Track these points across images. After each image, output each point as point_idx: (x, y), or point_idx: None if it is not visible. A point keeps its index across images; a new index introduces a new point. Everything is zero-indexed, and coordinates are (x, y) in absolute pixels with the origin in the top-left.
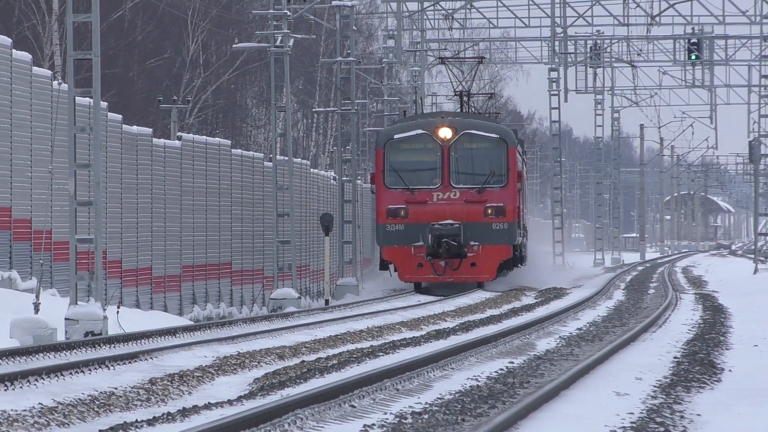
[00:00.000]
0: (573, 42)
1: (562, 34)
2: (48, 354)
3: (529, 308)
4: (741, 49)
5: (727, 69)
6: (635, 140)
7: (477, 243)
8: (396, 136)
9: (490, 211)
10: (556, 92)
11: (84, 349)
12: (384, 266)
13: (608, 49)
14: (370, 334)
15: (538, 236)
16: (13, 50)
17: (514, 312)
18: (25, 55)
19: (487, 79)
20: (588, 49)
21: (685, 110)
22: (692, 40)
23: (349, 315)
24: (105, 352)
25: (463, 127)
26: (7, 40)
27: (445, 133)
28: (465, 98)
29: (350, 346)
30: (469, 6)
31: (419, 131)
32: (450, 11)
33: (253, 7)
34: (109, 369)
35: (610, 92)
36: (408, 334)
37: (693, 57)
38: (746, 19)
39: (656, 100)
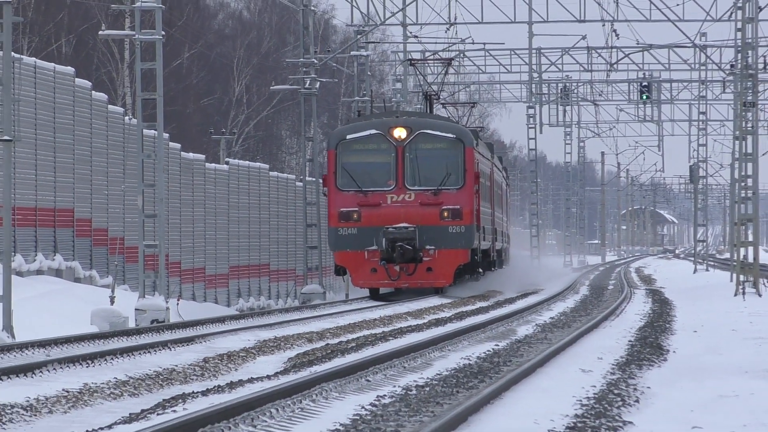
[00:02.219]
0: (546, 85)
1: (537, 79)
2: (121, 338)
3: (511, 301)
4: (683, 91)
5: (672, 107)
6: (597, 165)
7: (433, 247)
8: (348, 137)
9: (446, 214)
10: (533, 126)
11: (150, 333)
12: (339, 272)
13: (575, 91)
14: (382, 322)
15: (519, 242)
16: (93, 91)
17: (499, 304)
18: (102, 95)
19: (477, 115)
20: (559, 91)
21: (638, 140)
22: (643, 83)
23: (365, 306)
24: (167, 336)
25: (419, 126)
26: (87, 83)
27: (399, 133)
28: (433, 100)
29: (366, 332)
30: (462, 55)
31: (373, 131)
32: (447, 60)
33: (287, 56)
34: (170, 350)
35: (576, 125)
36: (413, 322)
37: (644, 97)
38: (687, 67)
39: (614, 132)
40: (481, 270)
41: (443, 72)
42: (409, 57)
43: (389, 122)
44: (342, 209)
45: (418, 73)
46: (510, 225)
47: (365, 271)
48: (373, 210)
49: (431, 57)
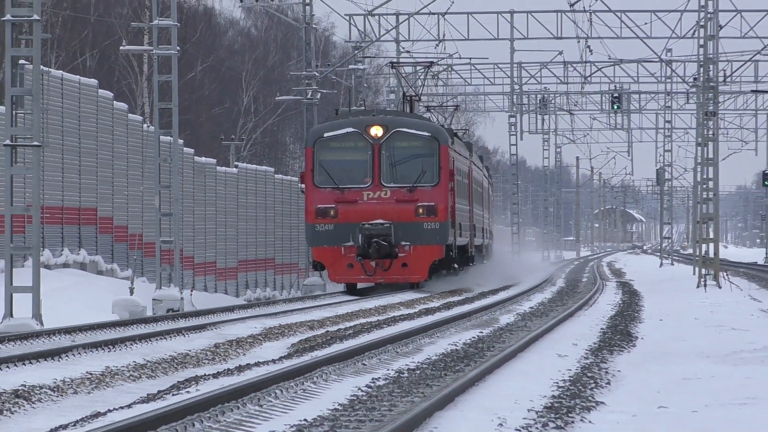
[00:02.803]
0: (527, 96)
1: (518, 90)
2: (139, 325)
3: (494, 292)
4: (650, 101)
5: (640, 116)
6: (572, 168)
7: (408, 243)
8: (326, 135)
9: (421, 211)
10: (514, 133)
11: (166, 321)
12: (317, 267)
13: (552, 101)
14: (377, 311)
15: (501, 239)
16: (114, 101)
17: (483, 294)
18: (123, 105)
19: (464, 122)
20: (537, 101)
21: (609, 146)
22: (614, 95)
23: (362, 297)
24: (182, 323)
25: (395, 125)
26: (109, 94)
27: (375, 131)
28: (413, 101)
29: (362, 320)
30: (450, 69)
31: (350, 129)
32: (436, 72)
33: (291, 69)
34: (184, 336)
35: (554, 133)
36: (405, 311)
37: (615, 107)
38: (654, 80)
39: (588, 139)
40: (456, 265)
41: (423, 74)
42: (391, 61)
43: (366, 120)
44: (319, 206)
45: (399, 75)
46: (493, 222)
47: (342, 267)
48: (350, 206)
49: (412, 61)
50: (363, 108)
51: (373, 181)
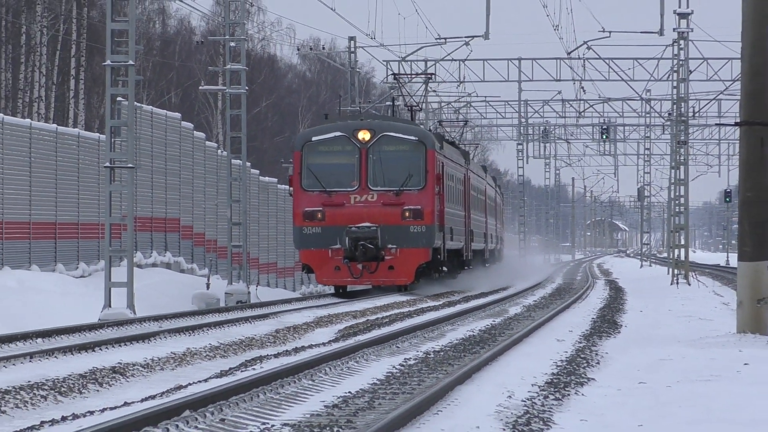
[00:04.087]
0: (531, 127)
1: (524, 123)
2: (214, 314)
3: (504, 288)
4: (633, 132)
5: (625, 144)
6: (569, 187)
7: (395, 246)
8: (314, 138)
9: (407, 214)
10: (521, 158)
11: (236, 311)
12: (306, 269)
13: (553, 132)
14: (408, 303)
15: (511, 244)
16: (194, 131)
17: (494, 291)
18: (201, 134)
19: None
20: (540, 132)
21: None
22: (603, 127)
23: (395, 292)
24: (248, 313)
25: (382, 129)
26: (190, 125)
27: (363, 135)
28: (414, 111)
29: (396, 311)
30: (468, 105)
31: (337, 133)
32: (457, 108)
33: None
34: (251, 323)
35: (553, 158)
36: (432, 303)
37: (604, 137)
38: (636, 115)
39: (582, 163)
40: (446, 269)
41: (423, 86)
42: (393, 73)
43: (353, 125)
44: (306, 209)
45: (401, 86)
46: (504, 231)
47: (329, 269)
48: (337, 210)
49: (413, 73)
50: (358, 108)
51: (360, 185)
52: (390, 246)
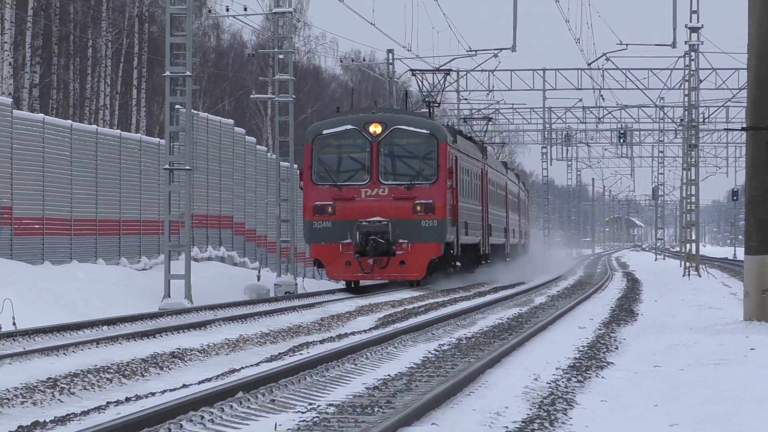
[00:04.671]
0: (555, 132)
1: (548, 128)
2: (264, 304)
3: (521, 282)
4: (648, 137)
5: (640, 147)
6: (589, 186)
7: (406, 241)
8: (325, 132)
9: (419, 208)
10: (545, 160)
11: (285, 301)
12: (317, 264)
13: (574, 136)
14: (442, 294)
15: (536, 240)
16: (246, 136)
17: (512, 285)
18: (252, 139)
19: (507, 152)
20: (563, 136)
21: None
22: (621, 131)
23: (431, 284)
24: (296, 302)
25: (393, 122)
26: (242, 130)
27: (374, 128)
28: (432, 106)
29: (431, 300)
30: (497, 111)
31: (348, 126)
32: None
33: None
34: (298, 312)
35: (575, 160)
36: (463, 294)
37: (621, 141)
38: (651, 120)
39: (601, 164)
40: (459, 263)
41: (442, 81)
42: (411, 69)
43: (365, 118)
44: (317, 203)
45: (419, 81)
46: (530, 226)
47: (339, 264)
48: (347, 204)
49: (431, 69)
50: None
51: (371, 179)
52: (401, 241)
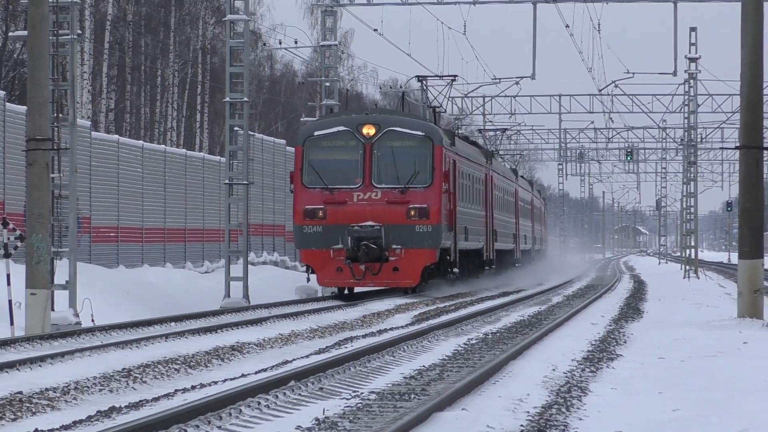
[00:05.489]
0: (569, 150)
1: (564, 146)
2: (313, 303)
3: (547, 281)
4: (652, 155)
5: (645, 164)
6: (600, 199)
7: (399, 246)
8: (316, 133)
9: (413, 213)
10: (561, 175)
11: (331, 300)
12: (309, 269)
13: (587, 154)
14: (469, 294)
15: (553, 246)
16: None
17: (538, 284)
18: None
19: (528, 168)
20: (577, 154)
21: (624, 184)
22: (628, 150)
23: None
24: (341, 302)
25: (387, 124)
26: (293, 149)
27: (367, 130)
28: (437, 113)
29: (460, 300)
30: (518, 132)
31: (341, 128)
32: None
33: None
34: (343, 310)
35: (587, 175)
36: (490, 293)
37: (628, 158)
38: (654, 140)
39: (611, 179)
40: (456, 270)
41: (448, 88)
42: (417, 75)
43: (358, 119)
44: (307, 207)
45: (425, 88)
46: (547, 233)
47: (331, 270)
48: (339, 208)
49: (437, 75)
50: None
51: (364, 182)
52: (394, 246)
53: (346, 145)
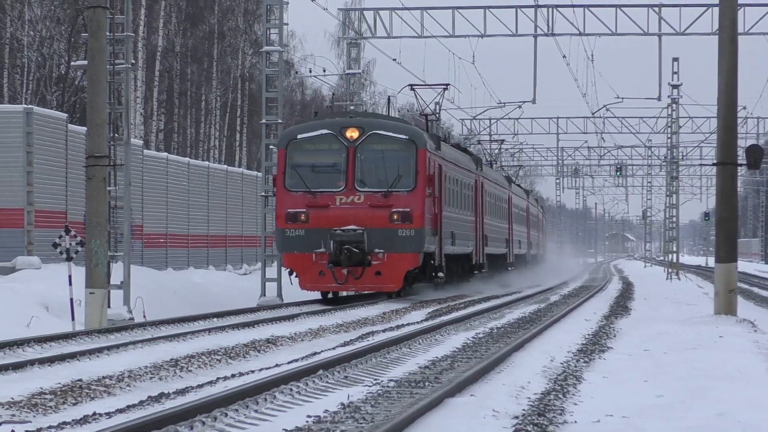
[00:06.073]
0: (566, 167)
1: (561, 163)
2: (339, 301)
3: (545, 281)
4: (638, 170)
5: (633, 179)
6: (593, 210)
7: (382, 250)
8: (299, 136)
9: (396, 217)
10: (559, 188)
11: (355, 300)
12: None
13: (581, 170)
14: (477, 293)
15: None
16: None
17: (536, 285)
18: None
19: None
20: (572, 170)
21: (614, 196)
22: (618, 166)
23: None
24: (364, 300)
25: (371, 127)
26: None
27: (351, 133)
28: (428, 120)
29: (468, 299)
30: (521, 150)
31: (324, 131)
32: (513, 153)
33: None
34: (365, 308)
35: (582, 188)
36: (495, 293)
37: (618, 173)
38: (641, 158)
39: (602, 192)
40: (441, 274)
41: (441, 96)
42: (410, 84)
43: (341, 122)
44: (289, 210)
45: (417, 96)
46: (545, 239)
47: (313, 274)
48: (321, 211)
49: (428, 84)
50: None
51: (347, 185)
52: (377, 250)
53: (329, 148)
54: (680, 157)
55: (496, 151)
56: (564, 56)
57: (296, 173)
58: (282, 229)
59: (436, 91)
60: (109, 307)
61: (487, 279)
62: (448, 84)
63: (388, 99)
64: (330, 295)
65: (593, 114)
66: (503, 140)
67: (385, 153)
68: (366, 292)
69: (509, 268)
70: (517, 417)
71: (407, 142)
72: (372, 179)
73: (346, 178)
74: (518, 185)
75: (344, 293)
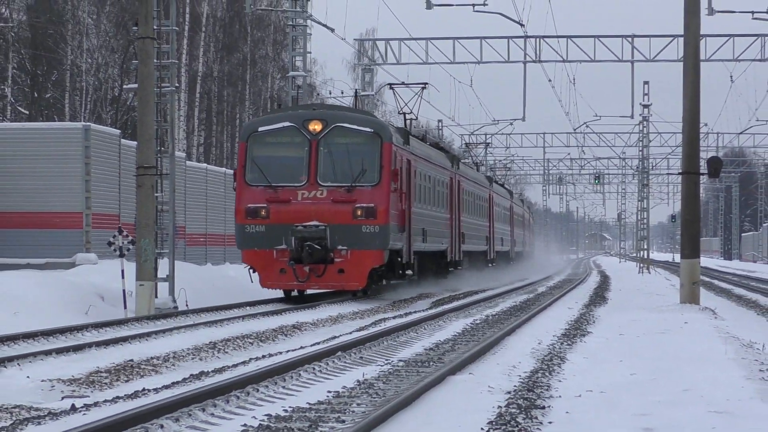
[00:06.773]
0: (551, 176)
1: (547, 172)
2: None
3: (534, 275)
4: (614, 178)
5: (610, 185)
6: (575, 213)
7: (345, 247)
8: (260, 129)
9: (359, 212)
10: (545, 195)
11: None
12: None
13: (565, 178)
14: (477, 285)
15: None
16: None
17: (521, 279)
18: None
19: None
20: (557, 178)
21: (593, 201)
22: (596, 175)
23: (381, 292)
24: (377, 292)
25: (335, 119)
26: None
27: (314, 126)
28: (406, 118)
29: (468, 289)
30: (513, 161)
31: (286, 123)
32: (505, 164)
33: None
34: (378, 300)
35: (565, 194)
36: (491, 284)
37: (597, 181)
38: (617, 167)
39: (583, 198)
40: (410, 272)
41: (419, 95)
42: (389, 83)
43: (304, 114)
44: (249, 205)
45: (396, 95)
46: (531, 237)
47: (274, 272)
48: (282, 207)
49: (407, 83)
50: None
51: (309, 180)
52: (340, 247)
53: (291, 142)
54: (650, 167)
55: (482, 153)
56: (549, 80)
57: (257, 167)
58: (242, 225)
59: (413, 90)
60: (156, 297)
61: (464, 276)
62: (426, 83)
63: (356, 92)
64: (295, 293)
65: (575, 130)
66: (489, 143)
67: (349, 146)
68: (329, 290)
69: (490, 265)
70: (509, 392)
71: (372, 135)
72: (335, 173)
73: (308, 173)
74: (501, 185)
75: (309, 291)
